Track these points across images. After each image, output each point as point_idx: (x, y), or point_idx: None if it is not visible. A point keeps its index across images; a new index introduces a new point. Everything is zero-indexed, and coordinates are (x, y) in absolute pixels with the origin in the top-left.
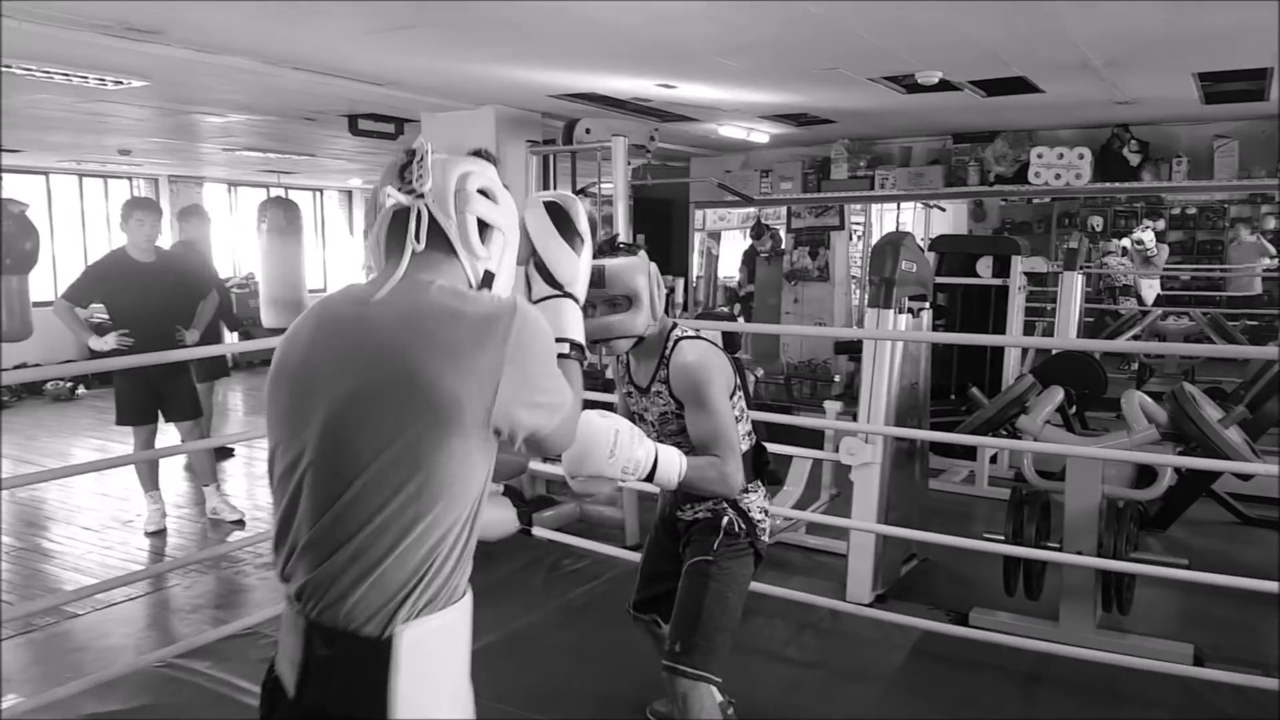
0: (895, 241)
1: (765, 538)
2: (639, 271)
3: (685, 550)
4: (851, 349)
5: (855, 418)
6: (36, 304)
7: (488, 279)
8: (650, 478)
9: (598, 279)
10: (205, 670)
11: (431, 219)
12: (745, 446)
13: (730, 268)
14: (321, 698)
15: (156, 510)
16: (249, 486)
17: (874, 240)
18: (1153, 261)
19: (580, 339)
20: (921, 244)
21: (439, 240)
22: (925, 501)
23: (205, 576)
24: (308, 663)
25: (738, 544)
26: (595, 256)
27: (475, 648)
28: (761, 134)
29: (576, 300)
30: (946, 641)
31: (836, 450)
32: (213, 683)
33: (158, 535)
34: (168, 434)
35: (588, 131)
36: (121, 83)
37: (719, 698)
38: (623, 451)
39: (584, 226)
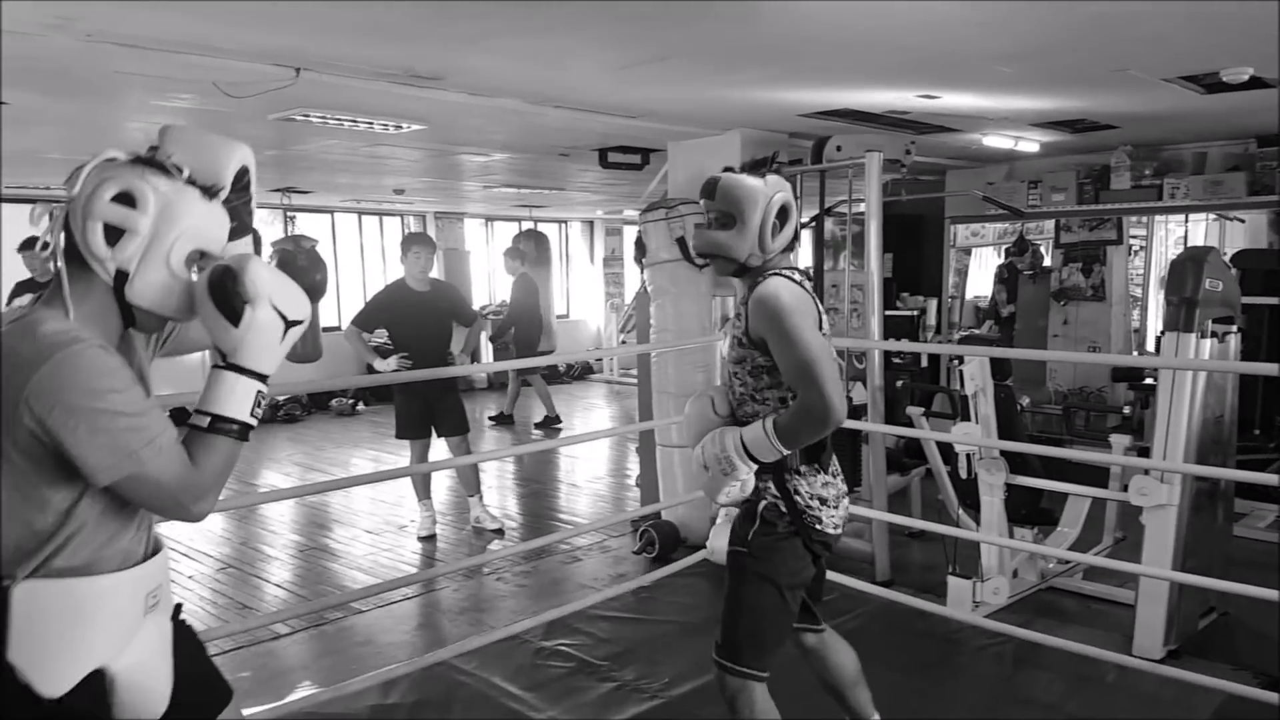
0: (1198, 257)
1: (825, 527)
2: (751, 193)
3: None
4: (1131, 376)
5: (1140, 453)
6: (324, 329)
7: (120, 278)
8: (754, 458)
9: (710, 191)
10: (473, 671)
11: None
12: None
13: (981, 286)
14: None
15: (428, 517)
16: (503, 498)
17: (1156, 255)
18: None
19: (230, 414)
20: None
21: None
22: (1227, 548)
23: (470, 581)
24: None
25: (776, 531)
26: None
27: None
28: (1031, 142)
29: (246, 371)
30: (1256, 709)
31: (1123, 489)
32: (480, 684)
33: (428, 540)
34: (436, 447)
35: (839, 149)
36: (402, 127)
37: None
38: (711, 459)
39: (251, 290)
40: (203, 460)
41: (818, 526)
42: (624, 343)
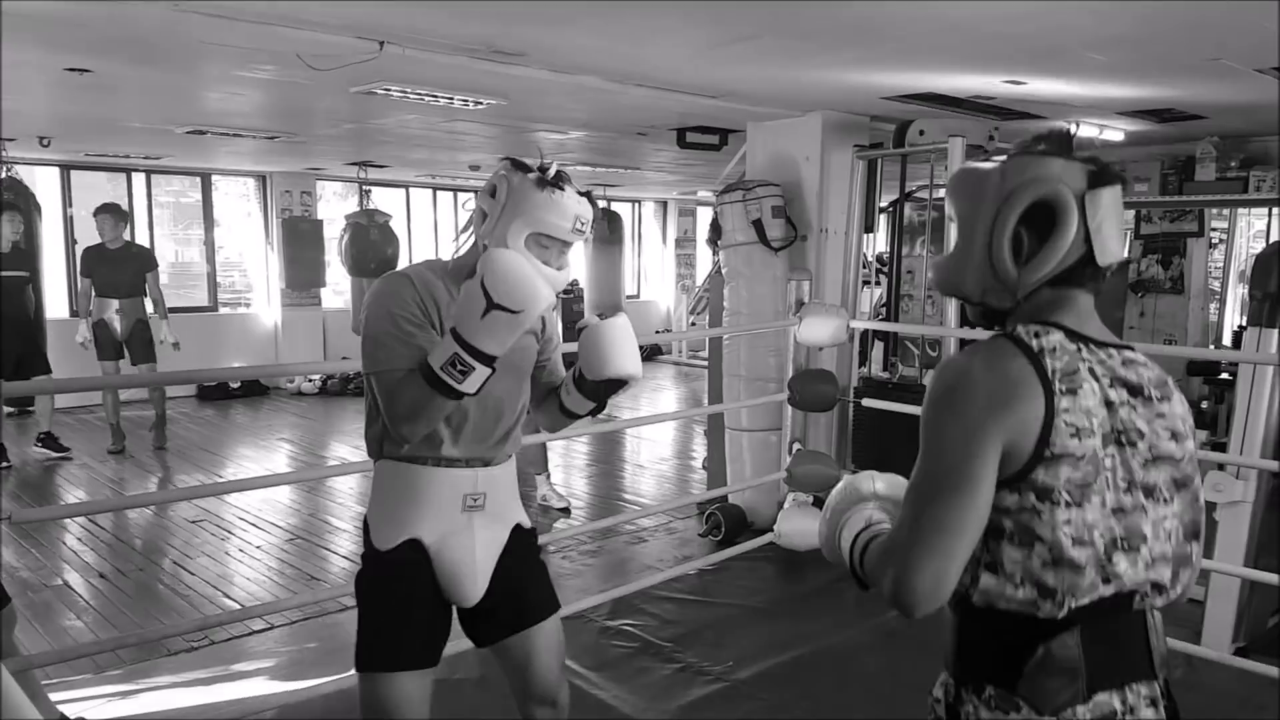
0: None
1: None
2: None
3: None
4: (1207, 371)
5: (1215, 448)
6: None
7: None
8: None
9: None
10: None
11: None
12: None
13: None
14: None
15: None
16: (569, 477)
17: (1236, 249)
18: None
19: (430, 361)
20: None
21: None
22: None
23: None
24: None
25: None
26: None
27: (785, 658)
28: (1116, 131)
29: (453, 332)
30: None
31: None
32: None
33: None
34: None
35: (921, 133)
36: (481, 103)
37: None
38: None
39: (490, 284)
40: (403, 392)
41: None
42: (693, 324)
